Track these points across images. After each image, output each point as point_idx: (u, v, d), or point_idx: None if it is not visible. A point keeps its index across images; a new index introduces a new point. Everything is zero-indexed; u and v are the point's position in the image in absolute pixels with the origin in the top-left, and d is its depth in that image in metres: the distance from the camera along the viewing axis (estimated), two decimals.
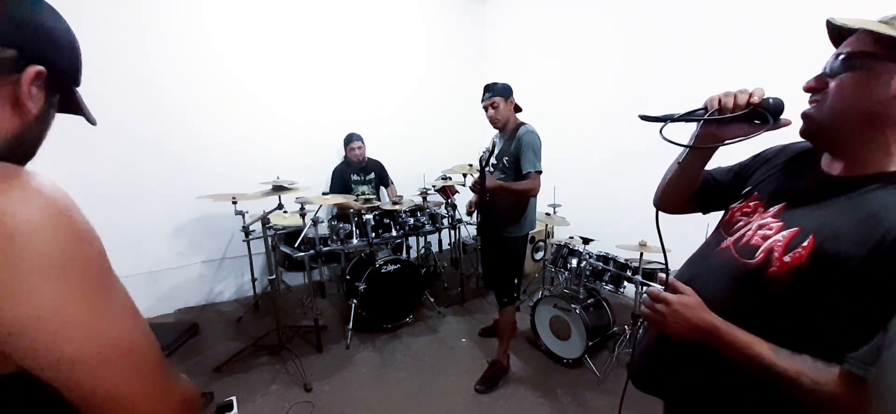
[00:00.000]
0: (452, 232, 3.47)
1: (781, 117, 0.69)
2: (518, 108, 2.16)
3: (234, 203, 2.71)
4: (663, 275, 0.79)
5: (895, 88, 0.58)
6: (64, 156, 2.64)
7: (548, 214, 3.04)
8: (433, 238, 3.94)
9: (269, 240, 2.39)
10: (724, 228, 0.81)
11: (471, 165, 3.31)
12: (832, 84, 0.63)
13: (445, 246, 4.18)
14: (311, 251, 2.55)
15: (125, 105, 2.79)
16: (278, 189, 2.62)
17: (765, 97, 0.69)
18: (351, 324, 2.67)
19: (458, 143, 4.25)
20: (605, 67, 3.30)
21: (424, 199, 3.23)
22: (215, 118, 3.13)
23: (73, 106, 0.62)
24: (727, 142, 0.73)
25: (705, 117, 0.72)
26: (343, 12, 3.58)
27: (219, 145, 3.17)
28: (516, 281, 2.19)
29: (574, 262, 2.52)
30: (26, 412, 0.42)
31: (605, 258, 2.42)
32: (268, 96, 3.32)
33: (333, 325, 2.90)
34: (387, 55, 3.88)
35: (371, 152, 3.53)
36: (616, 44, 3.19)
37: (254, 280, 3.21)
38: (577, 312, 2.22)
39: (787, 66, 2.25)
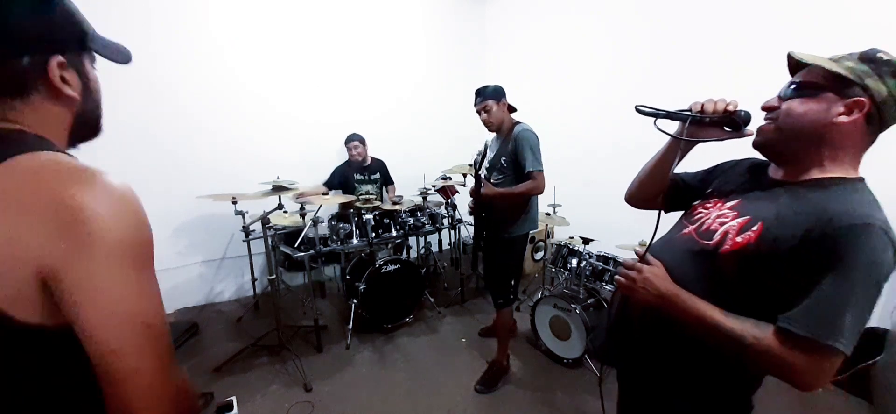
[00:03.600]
0: (452, 232, 3.47)
1: (747, 128, 0.84)
2: (512, 109, 2.14)
3: (234, 203, 2.71)
4: (640, 249, 0.91)
5: (833, 116, 0.71)
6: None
7: (548, 214, 3.04)
8: (433, 238, 3.94)
9: (269, 240, 2.39)
10: (686, 218, 0.95)
11: (471, 165, 3.31)
12: (784, 106, 0.77)
13: (445, 246, 4.18)
14: (311, 251, 2.55)
15: (125, 105, 2.79)
16: (278, 189, 2.62)
17: (737, 108, 0.83)
18: (351, 324, 2.67)
19: (458, 143, 4.24)
20: (606, 67, 3.30)
21: (424, 199, 3.23)
22: (216, 118, 3.14)
23: (100, 53, 0.67)
24: (702, 141, 0.87)
25: (691, 116, 0.86)
26: (343, 12, 3.58)
27: (219, 145, 3.17)
28: (513, 282, 2.18)
29: (574, 262, 2.52)
30: (63, 366, 0.50)
31: (605, 258, 2.41)
32: (268, 96, 3.32)
33: (333, 325, 2.90)
34: (387, 55, 3.88)
35: (371, 152, 3.53)
36: (616, 43, 3.19)
37: (254, 280, 3.21)
38: (577, 312, 2.22)
39: (766, 69, 2.27)
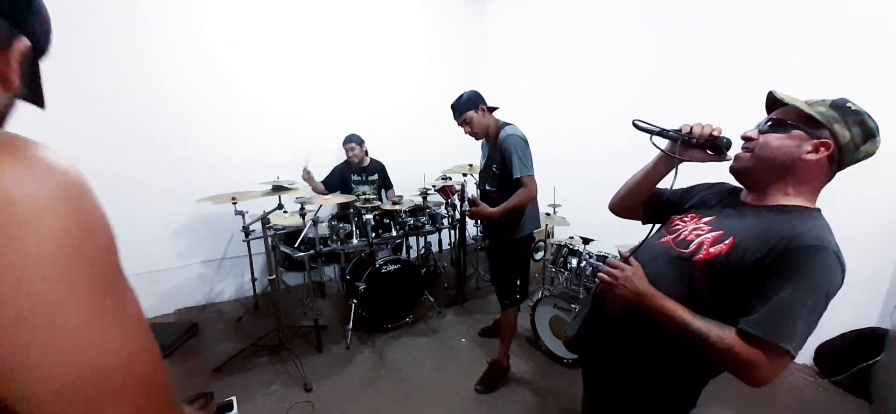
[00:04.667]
0: (452, 232, 3.47)
1: (728, 153, 0.93)
2: (493, 109, 2.07)
3: (234, 203, 2.71)
4: (624, 251, 1.01)
5: (802, 152, 0.82)
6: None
7: (548, 214, 3.04)
8: (433, 238, 3.94)
9: (269, 240, 2.39)
10: (665, 228, 1.05)
11: (471, 165, 3.31)
12: (761, 139, 0.87)
13: (445, 246, 4.18)
14: (311, 251, 2.55)
15: (126, 105, 2.80)
16: (278, 189, 2.62)
17: (721, 135, 0.93)
18: (351, 324, 2.67)
19: (459, 143, 4.23)
20: (606, 67, 3.29)
21: (424, 199, 3.23)
22: (216, 118, 3.13)
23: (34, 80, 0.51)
24: (689, 160, 0.98)
25: (681, 136, 0.96)
26: (343, 12, 3.57)
27: (219, 145, 3.17)
28: (519, 282, 2.17)
29: (574, 262, 2.51)
30: None
31: (604, 258, 2.41)
32: (268, 96, 3.32)
33: (333, 325, 2.90)
34: (386, 55, 3.88)
35: (371, 152, 3.53)
36: (616, 44, 3.19)
37: (254, 280, 3.21)
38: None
39: (764, 72, 2.27)
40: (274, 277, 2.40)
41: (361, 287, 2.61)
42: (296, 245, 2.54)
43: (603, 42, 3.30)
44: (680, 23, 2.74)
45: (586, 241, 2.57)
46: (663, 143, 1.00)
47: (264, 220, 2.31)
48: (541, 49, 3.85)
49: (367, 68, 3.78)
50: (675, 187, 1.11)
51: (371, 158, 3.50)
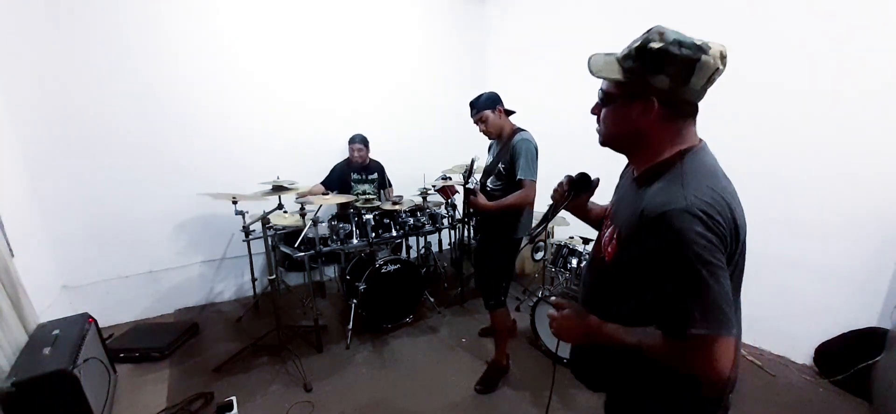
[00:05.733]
0: (452, 232, 3.47)
1: (592, 179, 1.08)
2: (510, 112, 2.12)
3: (234, 203, 2.71)
4: (553, 298, 1.01)
5: (632, 118, 0.78)
6: (64, 156, 2.65)
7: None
8: (433, 238, 3.94)
9: (269, 240, 2.39)
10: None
11: (463, 175, 3.30)
12: (602, 112, 0.85)
13: (445, 246, 4.18)
14: (311, 251, 2.55)
15: (125, 106, 2.80)
16: (278, 189, 2.62)
17: (571, 178, 1.07)
18: (351, 324, 2.67)
19: (459, 143, 4.24)
20: None
21: (424, 199, 3.23)
22: (216, 118, 3.13)
23: None
24: (572, 203, 1.12)
25: (553, 208, 1.12)
26: (343, 13, 3.57)
27: (219, 145, 3.17)
28: (504, 284, 2.18)
29: (574, 262, 2.52)
30: None
31: None
32: (268, 96, 3.32)
33: (333, 325, 2.90)
34: (387, 55, 3.88)
35: (372, 152, 3.53)
36: (616, 43, 3.18)
37: (254, 280, 3.21)
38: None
39: (767, 69, 2.27)
40: (274, 277, 2.41)
41: (361, 287, 2.61)
42: (296, 245, 2.54)
43: (602, 41, 3.29)
44: (680, 22, 2.74)
45: (586, 241, 2.58)
46: (549, 220, 1.13)
47: (264, 220, 2.31)
48: (541, 49, 3.85)
49: (367, 68, 3.78)
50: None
51: (371, 158, 3.50)
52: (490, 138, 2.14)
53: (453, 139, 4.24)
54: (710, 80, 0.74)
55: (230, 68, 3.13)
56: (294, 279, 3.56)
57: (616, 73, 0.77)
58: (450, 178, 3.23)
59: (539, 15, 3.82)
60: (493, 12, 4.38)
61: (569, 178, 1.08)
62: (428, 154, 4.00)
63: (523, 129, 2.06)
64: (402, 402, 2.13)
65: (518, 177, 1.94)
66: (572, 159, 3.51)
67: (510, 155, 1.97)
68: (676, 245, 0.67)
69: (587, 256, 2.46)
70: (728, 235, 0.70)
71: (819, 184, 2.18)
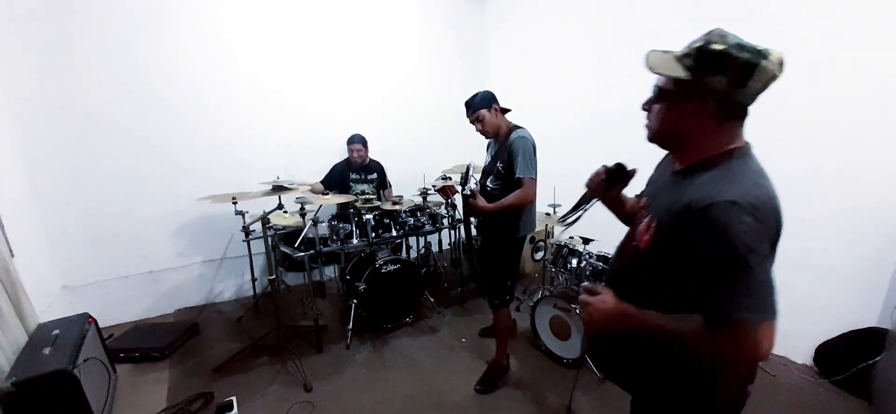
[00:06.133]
0: (452, 232, 3.47)
1: (629, 169, 1.03)
2: (506, 110, 2.12)
3: (234, 203, 2.71)
4: (586, 283, 0.97)
5: (684, 116, 0.81)
6: (64, 156, 2.65)
7: (548, 214, 3.04)
8: (433, 238, 3.94)
9: (269, 240, 2.39)
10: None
11: (461, 177, 3.30)
12: (654, 107, 0.87)
13: (445, 246, 4.18)
14: (311, 251, 2.55)
15: (126, 106, 2.80)
16: (278, 189, 2.62)
17: (609, 167, 1.05)
18: (351, 324, 2.67)
19: (459, 143, 4.24)
20: (605, 66, 3.29)
21: (424, 199, 3.23)
22: (216, 118, 3.14)
23: None
24: (612, 197, 1.11)
25: (589, 199, 1.15)
26: (344, 13, 3.57)
27: (219, 145, 3.17)
28: (510, 283, 2.18)
29: (574, 262, 2.52)
30: None
31: (605, 258, 2.41)
32: (269, 96, 3.32)
33: (333, 325, 2.90)
34: (387, 55, 3.88)
35: (372, 152, 3.53)
36: (616, 42, 3.19)
37: (254, 280, 3.21)
38: (577, 312, 2.22)
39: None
40: (274, 277, 2.40)
41: (361, 287, 2.61)
42: (296, 245, 2.54)
43: (602, 40, 3.29)
44: (681, 21, 2.74)
45: (586, 241, 2.57)
46: (586, 210, 1.15)
47: (264, 220, 2.31)
48: (541, 49, 3.85)
49: (368, 68, 3.78)
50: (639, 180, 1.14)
51: (370, 158, 3.50)
52: (487, 138, 2.14)
53: (453, 139, 4.24)
54: (765, 86, 0.75)
55: (230, 68, 3.14)
56: (294, 279, 3.56)
57: (675, 71, 0.79)
58: (450, 179, 3.22)
59: (540, 14, 3.82)
60: (494, 12, 4.38)
61: (606, 167, 1.05)
62: (428, 154, 4.00)
63: (520, 127, 2.05)
64: (402, 402, 2.13)
65: (517, 175, 1.93)
66: (573, 159, 3.52)
67: (508, 154, 1.97)
68: (724, 234, 0.69)
69: (587, 257, 2.46)
70: (773, 231, 0.72)
71: (819, 183, 2.18)
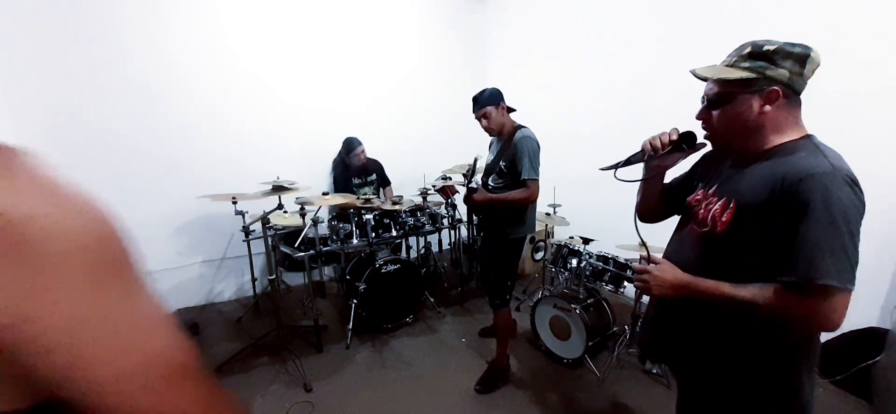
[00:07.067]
0: (452, 232, 3.47)
1: (698, 141, 1.00)
2: (511, 110, 2.13)
3: (234, 203, 2.71)
4: (643, 252, 1.03)
5: (757, 111, 0.85)
6: (64, 156, 2.65)
7: (548, 214, 3.04)
8: (433, 238, 3.94)
9: (269, 240, 2.39)
10: (686, 216, 1.09)
11: (464, 175, 3.30)
12: (714, 115, 0.92)
13: (445, 246, 4.18)
14: (311, 251, 2.55)
15: (125, 106, 2.80)
16: (278, 189, 2.62)
17: (682, 132, 1.00)
18: (351, 324, 2.67)
19: (459, 143, 4.25)
20: (605, 66, 3.29)
21: (424, 199, 3.23)
22: (216, 118, 3.13)
23: None
24: (672, 166, 1.09)
25: (645, 159, 1.07)
26: (344, 13, 3.57)
27: (219, 145, 3.17)
28: (510, 283, 2.18)
29: (574, 262, 2.52)
30: None
31: (605, 258, 2.41)
32: (269, 96, 3.32)
33: (333, 325, 2.90)
34: (387, 55, 3.88)
35: (371, 152, 3.53)
36: (616, 42, 3.19)
37: (254, 280, 3.21)
38: (577, 312, 2.22)
39: None
40: (274, 277, 2.40)
41: (361, 287, 2.61)
42: (296, 245, 2.54)
43: (603, 40, 3.30)
44: (681, 20, 2.74)
45: (586, 241, 2.57)
46: (635, 171, 1.08)
47: (264, 220, 2.31)
48: (541, 48, 3.85)
49: (367, 68, 3.78)
50: (679, 173, 1.15)
51: (367, 157, 3.50)
52: (491, 135, 2.14)
53: (453, 139, 4.25)
54: (812, 74, 0.84)
55: (230, 68, 3.13)
56: (294, 279, 3.56)
57: (736, 74, 0.85)
58: (450, 178, 3.23)
59: (540, 14, 3.82)
60: (494, 11, 4.38)
61: (677, 131, 1.02)
62: (428, 154, 4.00)
63: (524, 126, 2.05)
64: (402, 402, 2.13)
65: (522, 177, 1.94)
66: (573, 159, 3.52)
67: (512, 153, 1.97)
68: (825, 199, 0.73)
69: (587, 257, 2.45)
70: (864, 209, 0.77)
71: None
